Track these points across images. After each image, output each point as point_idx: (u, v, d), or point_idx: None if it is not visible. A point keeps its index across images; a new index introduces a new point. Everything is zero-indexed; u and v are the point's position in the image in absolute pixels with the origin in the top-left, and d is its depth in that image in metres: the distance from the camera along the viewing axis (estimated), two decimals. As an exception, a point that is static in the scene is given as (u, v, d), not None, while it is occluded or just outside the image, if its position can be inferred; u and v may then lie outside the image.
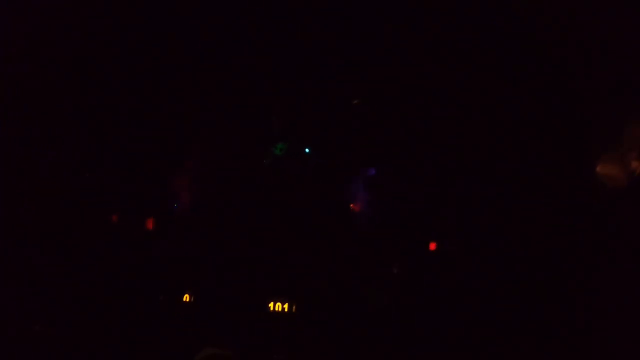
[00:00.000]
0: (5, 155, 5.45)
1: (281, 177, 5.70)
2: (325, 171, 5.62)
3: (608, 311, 4.82)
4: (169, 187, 5.59)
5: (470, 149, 5.22)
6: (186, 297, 5.65)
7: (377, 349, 5.44)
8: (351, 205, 5.48)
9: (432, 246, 5.54)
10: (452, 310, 5.39)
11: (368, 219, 5.47)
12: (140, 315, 5.55)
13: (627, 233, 4.82)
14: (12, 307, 5.33)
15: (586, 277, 4.98)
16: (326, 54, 5.52)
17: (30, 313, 5.40)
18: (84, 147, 5.69)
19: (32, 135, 5.57)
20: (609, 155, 4.88)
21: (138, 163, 5.70)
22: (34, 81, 5.42)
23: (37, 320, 5.40)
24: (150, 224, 5.71)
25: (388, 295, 5.51)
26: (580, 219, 5.03)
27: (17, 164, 5.51)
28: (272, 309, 5.59)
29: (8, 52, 5.21)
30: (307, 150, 5.75)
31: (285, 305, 5.59)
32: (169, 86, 5.69)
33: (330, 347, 5.50)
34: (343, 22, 5.42)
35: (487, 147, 5.20)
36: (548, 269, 5.14)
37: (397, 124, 5.33)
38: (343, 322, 5.53)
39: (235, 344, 5.43)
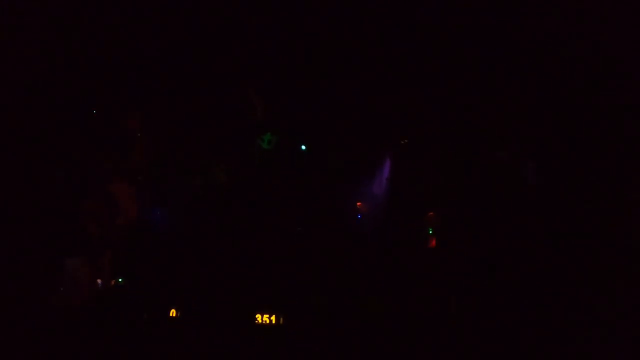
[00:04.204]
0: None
1: (270, 177, 5.45)
2: (321, 171, 5.42)
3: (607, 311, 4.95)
4: (152, 196, 5.48)
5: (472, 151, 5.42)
6: (173, 312, 5.60)
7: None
8: (358, 204, 5.41)
9: (432, 243, 5.56)
10: (444, 320, 5.41)
11: (365, 227, 5.50)
12: (127, 331, 5.43)
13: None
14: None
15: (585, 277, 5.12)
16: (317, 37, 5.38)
17: (15, 334, 5.25)
18: (68, 152, 5.44)
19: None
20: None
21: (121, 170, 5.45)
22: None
23: (25, 340, 5.22)
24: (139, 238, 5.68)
25: (379, 304, 5.52)
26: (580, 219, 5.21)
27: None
28: (259, 321, 5.57)
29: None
30: (303, 147, 5.39)
31: (273, 317, 5.58)
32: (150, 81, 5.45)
33: (318, 358, 5.40)
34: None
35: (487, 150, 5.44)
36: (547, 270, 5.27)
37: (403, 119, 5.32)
38: (330, 333, 5.49)
39: (222, 356, 5.33)
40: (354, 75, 5.51)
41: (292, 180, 5.63)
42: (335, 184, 5.66)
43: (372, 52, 5.47)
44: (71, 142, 5.54)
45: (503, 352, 5.09)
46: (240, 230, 5.72)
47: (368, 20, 5.48)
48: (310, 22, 5.53)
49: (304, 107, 5.65)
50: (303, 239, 5.72)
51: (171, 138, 5.61)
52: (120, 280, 5.52)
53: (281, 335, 5.53)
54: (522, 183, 5.51)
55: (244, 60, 5.52)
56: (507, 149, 5.54)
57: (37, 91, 5.45)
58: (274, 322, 5.58)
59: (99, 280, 5.55)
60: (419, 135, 5.69)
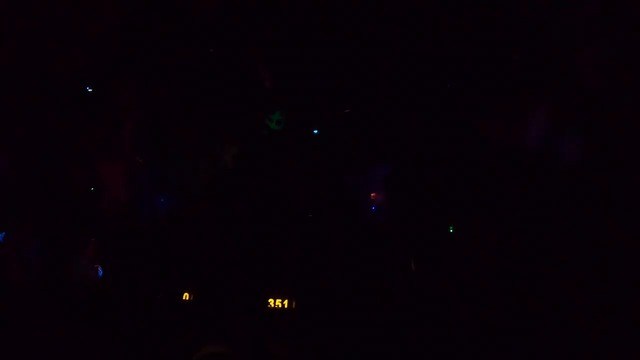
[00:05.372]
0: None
1: (280, 160, 5.18)
2: (334, 155, 5.12)
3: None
4: (162, 181, 5.21)
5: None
6: (185, 296, 5.61)
7: (378, 347, 5.38)
8: (372, 195, 5.29)
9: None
10: (459, 310, 5.38)
11: (376, 214, 5.43)
12: (139, 314, 5.47)
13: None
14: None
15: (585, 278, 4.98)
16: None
17: (25, 313, 5.30)
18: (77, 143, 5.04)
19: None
20: None
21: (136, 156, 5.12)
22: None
23: (34, 320, 5.26)
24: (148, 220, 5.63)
25: (391, 292, 5.50)
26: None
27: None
28: (271, 305, 5.57)
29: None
30: (315, 131, 5.00)
31: (285, 302, 5.58)
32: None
33: (331, 344, 5.42)
34: None
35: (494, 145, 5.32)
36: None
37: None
38: (343, 319, 5.49)
39: (234, 341, 5.35)
40: (378, 49, 5.05)
41: (303, 166, 5.39)
42: (349, 172, 5.48)
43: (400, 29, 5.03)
44: (54, 117, 5.05)
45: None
46: (251, 215, 5.66)
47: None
48: None
49: (318, 84, 5.18)
50: (315, 226, 5.67)
51: (171, 114, 5.16)
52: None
53: (294, 320, 5.53)
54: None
55: (253, 29, 5.02)
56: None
57: (19, 62, 4.99)
58: (286, 306, 5.58)
59: (97, 266, 5.50)
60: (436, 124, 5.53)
